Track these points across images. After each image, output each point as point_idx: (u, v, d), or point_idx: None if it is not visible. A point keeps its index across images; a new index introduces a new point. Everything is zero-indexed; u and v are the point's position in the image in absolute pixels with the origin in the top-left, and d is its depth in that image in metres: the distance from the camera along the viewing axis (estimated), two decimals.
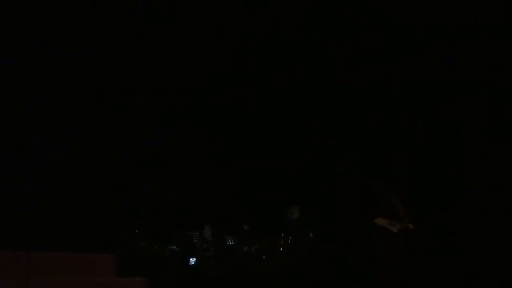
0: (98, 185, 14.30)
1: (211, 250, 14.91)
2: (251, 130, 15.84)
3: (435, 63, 14.56)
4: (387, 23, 14.70)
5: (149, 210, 14.71)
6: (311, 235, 14.54)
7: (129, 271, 12.83)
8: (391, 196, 12.38)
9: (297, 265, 14.40)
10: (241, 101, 15.56)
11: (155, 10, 14.41)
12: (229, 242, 14.95)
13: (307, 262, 14.46)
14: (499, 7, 13.81)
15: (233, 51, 15.09)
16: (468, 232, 14.36)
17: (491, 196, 14.31)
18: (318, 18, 14.99)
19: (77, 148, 13.85)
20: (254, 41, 15.04)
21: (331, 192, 15.65)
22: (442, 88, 14.70)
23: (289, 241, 14.54)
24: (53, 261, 12.18)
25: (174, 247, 14.82)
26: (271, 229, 14.70)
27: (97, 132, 14.29)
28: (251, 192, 15.63)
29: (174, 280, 14.18)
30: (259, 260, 14.68)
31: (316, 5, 14.84)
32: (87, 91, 14.25)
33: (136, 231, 14.41)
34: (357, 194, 14.63)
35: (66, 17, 13.86)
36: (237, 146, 15.81)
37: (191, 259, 14.75)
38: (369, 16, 14.81)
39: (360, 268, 13.83)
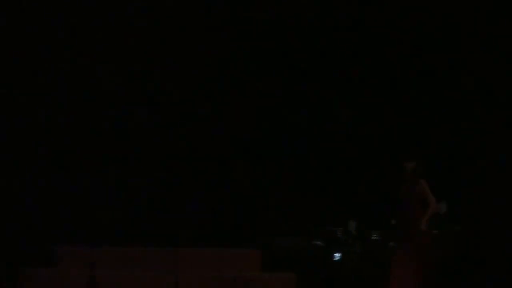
0: (244, 182, 14.48)
1: (356, 245, 14.86)
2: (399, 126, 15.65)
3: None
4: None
5: (292, 206, 14.77)
6: (457, 229, 14.27)
7: (274, 267, 12.95)
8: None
9: (444, 260, 14.15)
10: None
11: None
12: (374, 237, 14.87)
13: (454, 257, 14.19)
14: None
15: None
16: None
17: None
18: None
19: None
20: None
21: (478, 186, 15.26)
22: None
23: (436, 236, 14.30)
24: (200, 257, 12.51)
25: (319, 243, 14.86)
26: None
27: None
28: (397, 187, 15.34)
29: (319, 275, 14.22)
30: None
31: None
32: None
33: (281, 226, 14.53)
34: (502, 188, 14.22)
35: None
36: (388, 142, 15.64)
37: (335, 254, 14.76)
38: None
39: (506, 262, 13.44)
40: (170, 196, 13.49)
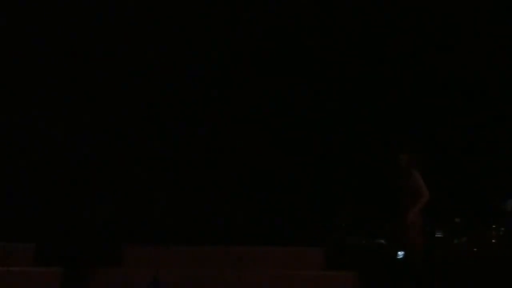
0: (307, 183, 14.50)
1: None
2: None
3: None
4: None
5: (354, 205, 14.76)
6: None
7: (337, 265, 12.96)
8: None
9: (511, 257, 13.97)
10: None
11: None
12: (437, 235, 14.76)
13: None
14: None
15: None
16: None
17: None
18: None
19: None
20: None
21: None
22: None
23: (501, 233, 14.14)
24: (263, 255, 12.60)
25: (382, 241, 14.81)
26: (480, 222, 14.33)
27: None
28: (463, 186, 15.24)
29: (382, 273, 14.16)
30: (469, 253, 14.37)
31: None
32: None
33: (343, 225, 14.54)
34: None
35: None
36: (450, 142, 15.49)
37: (399, 253, 14.66)
38: None
39: None
40: (235, 196, 13.61)
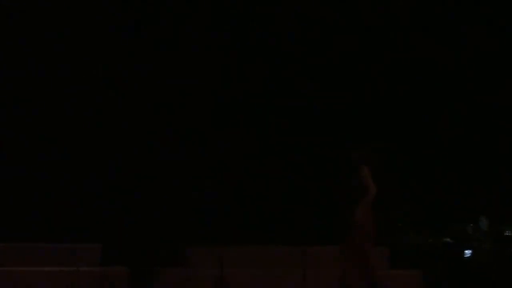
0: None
1: (488, 242, 14.52)
2: None
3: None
4: None
5: (419, 203, 14.60)
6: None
7: (402, 264, 12.86)
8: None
9: None
10: None
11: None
12: (506, 233, 14.50)
13: None
14: None
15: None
16: None
17: None
18: None
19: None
20: None
21: None
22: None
23: None
24: (327, 254, 12.54)
25: (448, 240, 14.63)
26: None
27: None
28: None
29: (449, 273, 13.99)
30: None
31: None
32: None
33: (408, 224, 14.40)
34: None
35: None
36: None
37: (466, 252, 14.48)
38: None
39: None
40: (297, 196, 13.58)
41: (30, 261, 12.26)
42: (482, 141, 15.32)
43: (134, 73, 13.89)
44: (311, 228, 13.07)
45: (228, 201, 12.73)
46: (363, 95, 14.49)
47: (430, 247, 14.43)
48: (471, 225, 14.72)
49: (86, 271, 11.83)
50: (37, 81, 13.63)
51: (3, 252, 12.11)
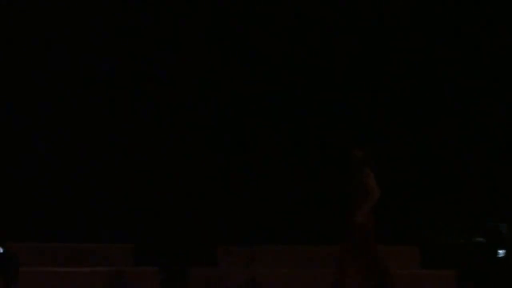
0: (402, 180, 14.30)
1: None
2: None
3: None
4: None
5: (452, 203, 14.50)
6: None
7: (433, 264, 12.79)
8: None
9: None
10: None
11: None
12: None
13: None
14: None
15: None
16: None
17: None
18: None
19: None
20: None
21: None
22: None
23: None
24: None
25: (481, 239, 14.51)
26: None
27: None
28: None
29: (482, 272, 13.89)
30: None
31: None
32: None
33: (439, 224, 14.32)
34: None
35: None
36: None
37: (499, 251, 14.36)
38: None
39: None
40: (328, 195, 13.56)
41: (63, 262, 12.38)
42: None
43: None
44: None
45: (257, 201, 12.73)
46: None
47: (462, 246, 14.33)
48: (505, 224, 14.60)
49: (118, 271, 11.92)
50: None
51: (37, 252, 12.23)
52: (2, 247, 9.61)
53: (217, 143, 14.08)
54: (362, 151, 11.26)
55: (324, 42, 14.32)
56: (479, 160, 14.98)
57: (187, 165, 13.61)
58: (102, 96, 13.84)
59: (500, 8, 14.26)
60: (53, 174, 13.31)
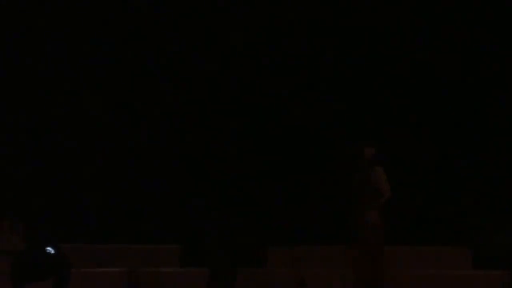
0: (453, 179, 14.04)
1: None
2: None
3: None
4: None
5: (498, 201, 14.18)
6: None
7: (486, 265, 12.54)
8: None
9: None
10: None
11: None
12: None
13: None
14: None
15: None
16: None
17: None
18: None
19: None
20: None
21: None
22: None
23: None
24: (409, 254, 12.47)
25: None
26: None
27: None
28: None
29: None
30: None
31: None
32: None
33: (492, 224, 14.02)
34: None
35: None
36: None
37: None
38: None
39: None
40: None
41: (110, 262, 12.41)
42: None
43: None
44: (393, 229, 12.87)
45: (304, 201, 12.57)
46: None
47: None
48: None
49: (166, 272, 11.89)
50: None
51: (83, 253, 12.27)
52: (54, 248, 9.61)
53: (264, 143, 14.00)
54: (373, 148, 11.06)
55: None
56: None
57: (234, 165, 13.51)
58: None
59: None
60: (98, 174, 13.29)
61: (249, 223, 12.33)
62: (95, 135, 13.65)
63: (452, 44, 13.83)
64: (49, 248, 9.56)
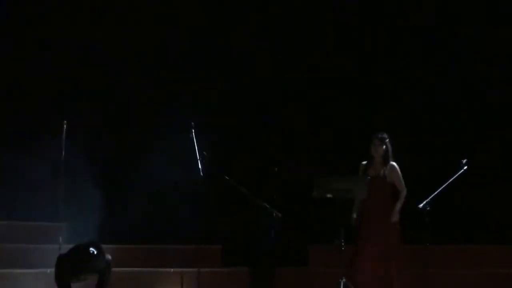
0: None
1: None
2: None
3: None
4: None
5: None
6: None
7: None
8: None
9: None
10: None
11: None
12: None
13: None
14: None
15: None
16: None
17: None
18: None
19: None
20: None
21: None
22: None
23: None
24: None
25: None
26: None
27: None
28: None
29: None
30: None
31: None
32: None
33: None
34: None
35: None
36: None
37: None
38: None
39: None
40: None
41: (153, 263, 12.42)
42: None
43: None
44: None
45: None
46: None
47: None
48: None
49: (208, 272, 11.87)
50: None
51: (127, 253, 12.28)
52: (96, 248, 9.64)
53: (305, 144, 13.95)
54: (385, 143, 10.86)
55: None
56: None
57: (274, 165, 13.40)
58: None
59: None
60: (149, 179, 13.20)
61: (289, 221, 12.25)
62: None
63: None
64: (92, 249, 9.61)
